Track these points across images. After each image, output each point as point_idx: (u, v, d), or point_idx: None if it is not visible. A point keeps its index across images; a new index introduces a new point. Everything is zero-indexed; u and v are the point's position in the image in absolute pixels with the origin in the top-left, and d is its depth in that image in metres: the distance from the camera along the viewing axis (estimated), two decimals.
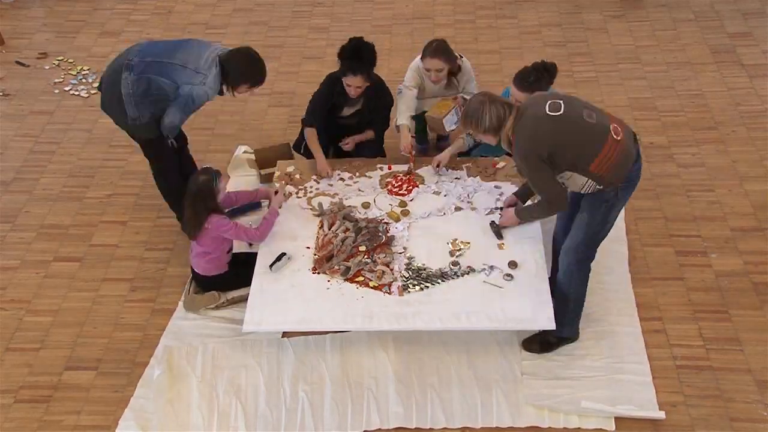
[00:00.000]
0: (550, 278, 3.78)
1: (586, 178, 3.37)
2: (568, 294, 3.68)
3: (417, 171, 4.38)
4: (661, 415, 3.52)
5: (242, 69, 3.93)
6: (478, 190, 4.23)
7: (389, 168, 4.43)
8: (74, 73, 5.88)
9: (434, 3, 6.48)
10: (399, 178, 4.36)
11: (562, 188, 3.44)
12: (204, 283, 4.07)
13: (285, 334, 3.92)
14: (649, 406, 3.56)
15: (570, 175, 3.39)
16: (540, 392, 3.63)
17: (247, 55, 3.96)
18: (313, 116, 4.42)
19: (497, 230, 3.94)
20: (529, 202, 3.93)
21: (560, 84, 5.41)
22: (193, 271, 4.07)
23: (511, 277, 3.75)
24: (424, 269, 3.83)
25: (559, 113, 3.30)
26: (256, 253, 3.98)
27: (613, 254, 4.22)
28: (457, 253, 3.88)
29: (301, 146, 4.63)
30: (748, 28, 5.97)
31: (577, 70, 5.66)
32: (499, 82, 5.58)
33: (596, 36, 6.01)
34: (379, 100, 4.43)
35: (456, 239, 3.95)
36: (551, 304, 3.65)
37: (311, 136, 4.43)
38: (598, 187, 3.38)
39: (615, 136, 3.32)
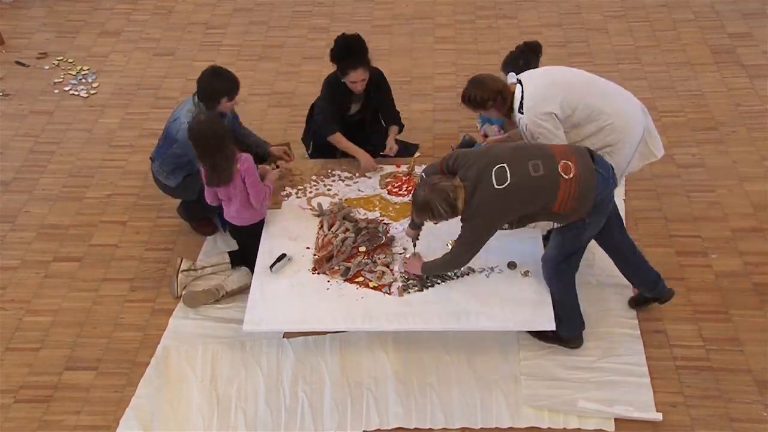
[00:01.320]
0: None
1: (552, 220, 3.49)
2: (554, 295, 3.71)
3: (416, 170, 4.38)
4: (658, 416, 3.51)
5: (213, 86, 4.03)
6: None
7: (397, 166, 4.44)
8: (74, 73, 5.88)
9: (434, 3, 6.48)
10: (399, 178, 4.36)
11: (474, 255, 3.53)
12: (245, 234, 4.11)
13: (285, 335, 3.92)
14: (647, 408, 3.56)
15: (537, 222, 3.55)
16: (538, 393, 3.63)
17: (211, 72, 4.06)
18: (332, 122, 4.38)
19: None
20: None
21: None
22: (231, 226, 4.11)
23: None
24: None
25: (506, 184, 3.29)
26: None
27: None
28: None
29: (309, 143, 4.67)
30: (748, 28, 5.96)
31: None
32: None
33: (596, 36, 6.01)
34: (378, 89, 4.44)
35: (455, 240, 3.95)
36: (551, 305, 3.65)
37: (340, 139, 4.38)
38: (566, 222, 3.46)
39: (566, 176, 3.30)
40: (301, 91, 5.61)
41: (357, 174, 4.41)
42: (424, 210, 3.42)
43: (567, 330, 3.75)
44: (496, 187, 3.30)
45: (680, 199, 4.62)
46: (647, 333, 3.88)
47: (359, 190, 4.31)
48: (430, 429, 3.54)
